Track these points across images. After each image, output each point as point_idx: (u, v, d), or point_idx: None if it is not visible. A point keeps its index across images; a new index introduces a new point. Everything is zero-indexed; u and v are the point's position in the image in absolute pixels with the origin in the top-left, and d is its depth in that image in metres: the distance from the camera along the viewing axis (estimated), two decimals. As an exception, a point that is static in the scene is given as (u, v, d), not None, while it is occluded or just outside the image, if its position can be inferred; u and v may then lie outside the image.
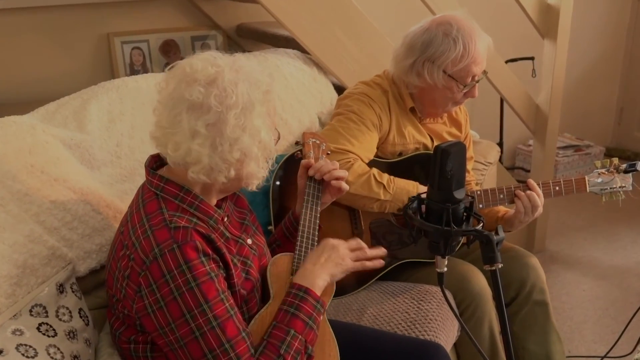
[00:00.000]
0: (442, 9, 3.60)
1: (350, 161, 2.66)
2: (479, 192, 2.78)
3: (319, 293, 2.06)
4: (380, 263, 2.24)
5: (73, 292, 2.22)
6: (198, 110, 1.87)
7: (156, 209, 1.92)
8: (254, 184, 2.03)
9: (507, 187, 2.79)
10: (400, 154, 2.88)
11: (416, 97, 2.88)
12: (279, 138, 2.08)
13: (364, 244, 2.23)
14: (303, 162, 2.39)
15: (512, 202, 2.80)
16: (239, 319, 1.91)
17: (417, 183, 2.74)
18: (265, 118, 1.96)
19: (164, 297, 1.82)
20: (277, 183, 2.81)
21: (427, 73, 2.74)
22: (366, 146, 2.75)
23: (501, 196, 2.79)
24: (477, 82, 2.78)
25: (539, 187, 2.79)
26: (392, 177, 2.72)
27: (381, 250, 2.25)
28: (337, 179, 2.33)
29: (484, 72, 2.79)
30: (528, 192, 2.77)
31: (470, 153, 3.13)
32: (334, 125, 2.79)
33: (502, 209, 2.93)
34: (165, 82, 1.95)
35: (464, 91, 2.78)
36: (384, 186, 2.67)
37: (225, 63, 1.94)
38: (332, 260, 2.14)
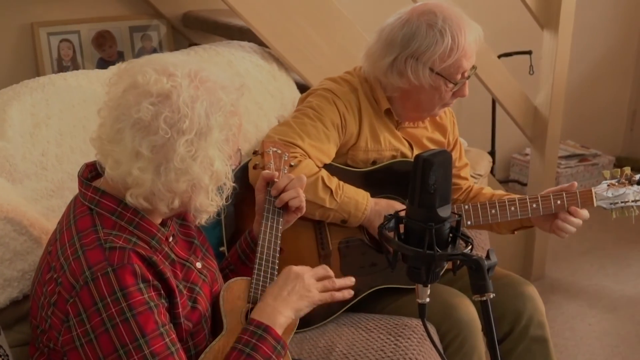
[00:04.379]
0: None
1: (297, 157, 2.66)
2: (467, 208, 2.82)
3: (280, 332, 2.06)
4: (349, 293, 2.26)
5: (-10, 326, 2.21)
6: (144, 129, 1.85)
7: (89, 226, 1.92)
8: (202, 218, 2.02)
9: (499, 201, 2.83)
10: (374, 162, 2.90)
11: (396, 99, 2.90)
12: (239, 163, 2.08)
13: (331, 272, 2.25)
14: (263, 173, 2.40)
15: (505, 218, 2.83)
16: (181, 357, 1.91)
17: (368, 194, 2.76)
18: (224, 146, 1.95)
19: (95, 329, 1.82)
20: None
21: (411, 72, 2.74)
22: (319, 146, 2.75)
23: (493, 211, 2.82)
24: (467, 78, 2.81)
25: (539, 202, 2.81)
26: (341, 182, 2.74)
27: (350, 280, 2.27)
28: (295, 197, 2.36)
29: (473, 68, 2.82)
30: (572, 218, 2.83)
31: (464, 160, 3.16)
32: (287, 120, 2.82)
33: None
34: (118, 78, 1.94)
35: (454, 90, 2.80)
36: (332, 192, 2.68)
37: (185, 73, 1.91)
38: (296, 292, 2.14)
